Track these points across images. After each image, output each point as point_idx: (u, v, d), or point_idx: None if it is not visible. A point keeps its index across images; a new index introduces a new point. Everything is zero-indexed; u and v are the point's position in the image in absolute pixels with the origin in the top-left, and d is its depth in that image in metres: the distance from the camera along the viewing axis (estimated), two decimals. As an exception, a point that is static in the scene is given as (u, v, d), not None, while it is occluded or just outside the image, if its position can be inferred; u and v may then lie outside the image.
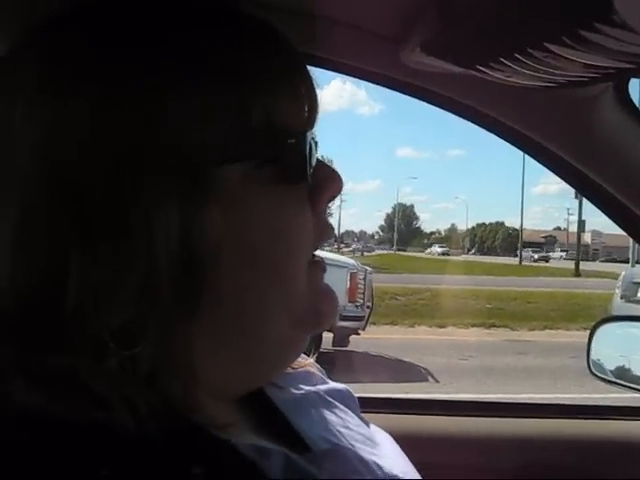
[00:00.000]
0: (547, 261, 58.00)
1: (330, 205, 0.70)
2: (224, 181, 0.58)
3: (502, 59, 0.89)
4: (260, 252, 0.60)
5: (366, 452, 0.70)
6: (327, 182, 0.67)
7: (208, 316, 0.58)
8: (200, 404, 0.56)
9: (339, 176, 0.68)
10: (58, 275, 0.53)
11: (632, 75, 1.07)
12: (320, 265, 0.67)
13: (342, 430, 0.73)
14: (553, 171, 1.46)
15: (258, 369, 0.66)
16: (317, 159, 0.66)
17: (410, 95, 1.30)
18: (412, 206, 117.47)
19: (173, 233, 0.55)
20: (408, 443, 0.81)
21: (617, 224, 1.49)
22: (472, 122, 1.36)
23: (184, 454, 0.50)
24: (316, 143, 0.66)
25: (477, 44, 0.90)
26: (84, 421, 0.48)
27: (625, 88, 1.27)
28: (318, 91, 0.66)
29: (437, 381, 8.83)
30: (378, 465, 0.68)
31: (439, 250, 77.67)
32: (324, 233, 0.67)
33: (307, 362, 0.83)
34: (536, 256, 65.36)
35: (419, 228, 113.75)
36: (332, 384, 0.84)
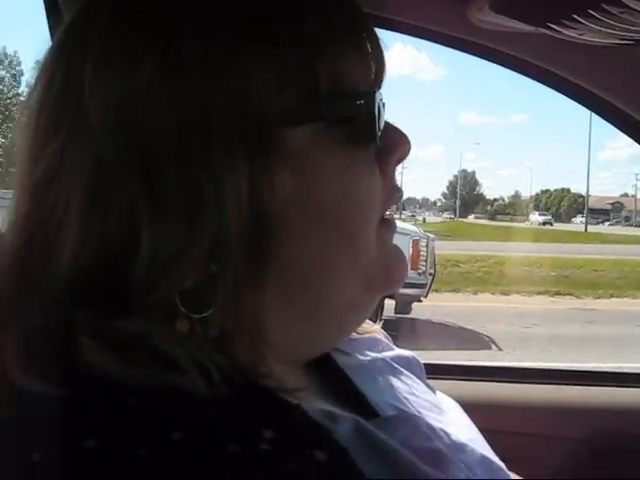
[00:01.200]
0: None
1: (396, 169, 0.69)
2: (293, 143, 0.58)
3: (575, 16, 0.86)
4: (329, 214, 0.60)
5: (433, 419, 0.70)
6: (396, 144, 0.66)
7: (277, 279, 0.58)
8: (269, 368, 0.56)
9: (407, 138, 0.67)
10: (129, 239, 0.53)
11: None
12: (390, 226, 0.67)
13: (409, 397, 0.73)
14: (623, 131, 1.42)
15: (327, 332, 0.65)
16: (385, 121, 0.65)
17: (476, 55, 1.27)
18: (474, 172, 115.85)
19: (242, 195, 0.54)
20: (474, 410, 0.80)
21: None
22: (540, 82, 1.33)
23: (255, 418, 0.50)
24: (384, 104, 0.64)
25: (549, 1, 0.88)
26: (155, 384, 0.48)
27: None
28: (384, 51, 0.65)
29: (500, 349, 8.76)
30: (445, 432, 0.67)
31: (540, 219, 61.60)
32: (393, 196, 0.66)
33: (373, 328, 0.83)
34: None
35: (482, 195, 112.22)
36: (398, 351, 0.83)
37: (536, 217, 64.16)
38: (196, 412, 0.48)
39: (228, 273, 0.54)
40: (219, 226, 0.54)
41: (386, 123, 0.65)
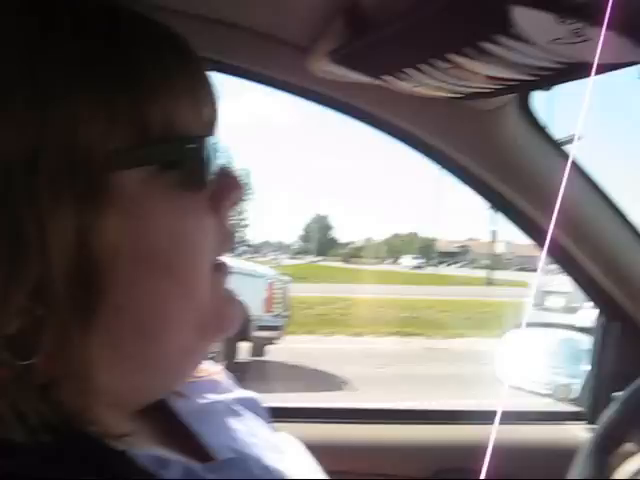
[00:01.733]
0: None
1: (236, 211, 0.69)
2: (122, 186, 0.57)
3: (406, 69, 0.90)
4: (160, 258, 0.59)
5: (272, 460, 0.70)
6: (228, 189, 0.66)
7: (107, 324, 0.57)
8: (97, 415, 0.54)
9: (239, 182, 0.67)
10: None
11: (533, 87, 1.11)
12: (223, 270, 0.66)
13: (248, 438, 0.73)
14: (461, 180, 1.49)
15: (160, 378, 0.64)
16: (220, 165, 0.65)
17: (317, 103, 1.30)
18: (327, 216, 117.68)
19: (69, 238, 0.53)
20: (322, 452, 0.81)
21: (524, 232, 1.53)
22: (380, 131, 1.38)
23: (78, 466, 0.49)
24: (217, 149, 0.65)
25: (382, 54, 0.92)
26: None
27: (528, 100, 1.31)
28: (219, 96, 0.66)
29: (354, 390, 8.87)
30: (282, 473, 0.67)
31: (414, 262, 62.62)
32: (226, 240, 0.66)
33: (214, 370, 0.82)
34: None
35: (334, 238, 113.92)
36: (240, 392, 0.83)
37: (409, 260, 65.14)
38: (17, 462, 0.46)
39: (54, 318, 0.53)
40: (44, 269, 0.52)
41: (221, 167, 0.65)
